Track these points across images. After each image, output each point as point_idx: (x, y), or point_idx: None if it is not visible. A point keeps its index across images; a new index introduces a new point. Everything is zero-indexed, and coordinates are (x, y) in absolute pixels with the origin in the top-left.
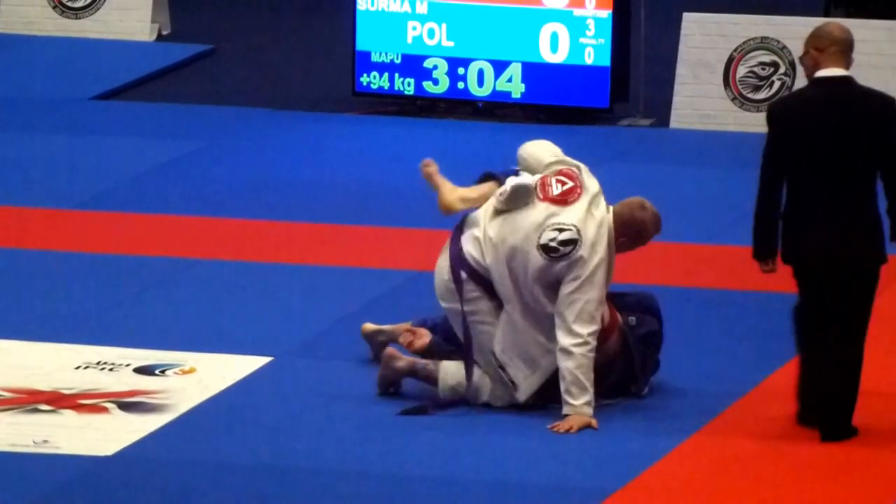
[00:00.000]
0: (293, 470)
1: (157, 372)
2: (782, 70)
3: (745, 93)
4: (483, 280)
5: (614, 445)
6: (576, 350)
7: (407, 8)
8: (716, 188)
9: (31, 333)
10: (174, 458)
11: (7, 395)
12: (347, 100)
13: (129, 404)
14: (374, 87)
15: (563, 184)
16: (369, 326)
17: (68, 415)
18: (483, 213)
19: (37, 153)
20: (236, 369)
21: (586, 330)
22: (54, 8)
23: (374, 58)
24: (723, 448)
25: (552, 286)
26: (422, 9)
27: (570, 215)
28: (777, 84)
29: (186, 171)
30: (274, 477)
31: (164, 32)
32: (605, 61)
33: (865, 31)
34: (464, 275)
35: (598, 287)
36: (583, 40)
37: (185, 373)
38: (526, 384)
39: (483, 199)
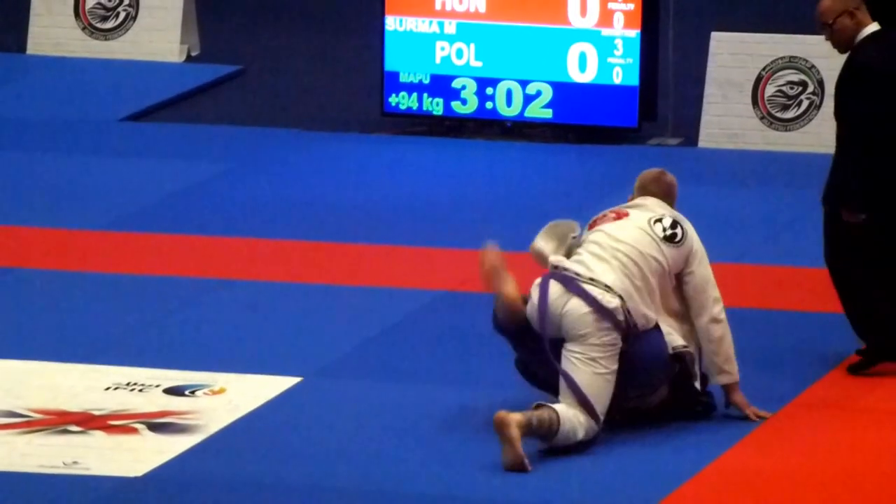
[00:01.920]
0: (323, 490)
1: (186, 392)
2: (811, 89)
3: (773, 112)
4: (619, 325)
5: (644, 464)
6: (724, 321)
7: (435, 28)
8: (745, 207)
9: (61, 355)
10: (204, 478)
11: (37, 416)
12: (376, 120)
13: (159, 425)
14: (402, 107)
15: (605, 216)
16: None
17: (98, 436)
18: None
19: (66, 174)
20: (266, 390)
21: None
22: (83, 29)
23: (403, 78)
24: (753, 467)
25: (682, 271)
26: (450, 29)
27: (648, 210)
28: (805, 103)
29: (216, 192)
30: (304, 498)
31: (194, 53)
32: (634, 81)
33: None
34: (601, 323)
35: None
36: (611, 60)
37: (214, 393)
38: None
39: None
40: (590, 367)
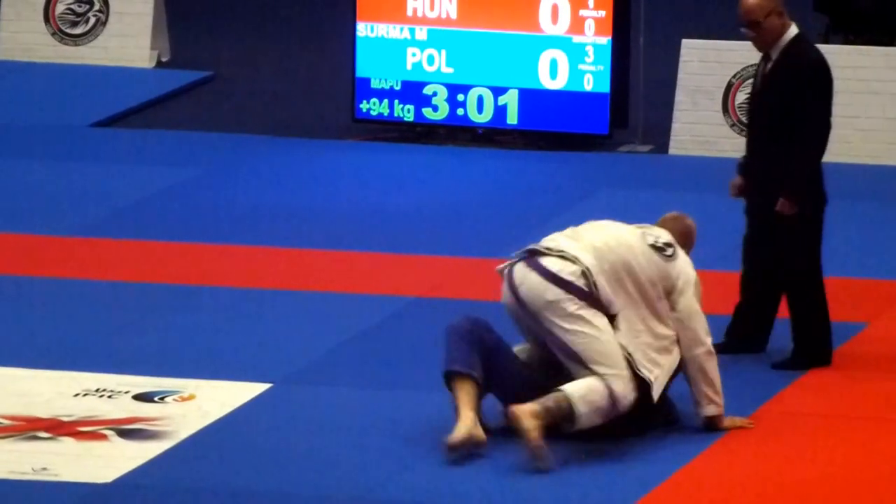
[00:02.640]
0: (292, 497)
1: (156, 399)
2: None
3: (744, 119)
4: (583, 292)
5: (614, 472)
6: (711, 358)
7: (407, 35)
8: (715, 214)
9: (30, 361)
10: (173, 485)
11: (6, 422)
12: (347, 126)
13: (129, 431)
14: (373, 113)
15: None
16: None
17: (67, 442)
18: (567, 236)
19: (36, 180)
20: (235, 396)
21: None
22: (53, 35)
23: (374, 84)
24: (723, 473)
25: (667, 290)
26: (421, 35)
27: (647, 227)
28: None
29: (186, 198)
30: None
31: (164, 59)
32: (605, 88)
33: (864, 58)
34: (563, 292)
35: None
36: (582, 67)
37: (184, 399)
38: (657, 383)
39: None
40: (576, 326)
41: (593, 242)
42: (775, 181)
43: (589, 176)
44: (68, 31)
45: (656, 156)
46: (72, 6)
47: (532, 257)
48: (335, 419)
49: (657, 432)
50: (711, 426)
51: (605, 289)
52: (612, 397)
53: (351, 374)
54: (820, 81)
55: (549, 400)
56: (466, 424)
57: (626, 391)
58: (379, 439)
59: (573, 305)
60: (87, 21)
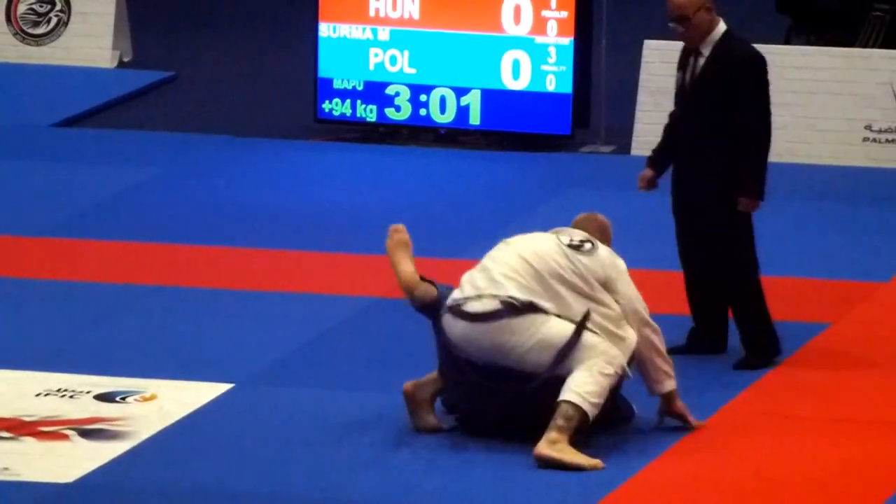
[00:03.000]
0: (253, 497)
1: (117, 399)
2: None
3: None
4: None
5: (571, 474)
6: (659, 335)
7: (369, 35)
8: None
9: None
10: (134, 485)
11: None
12: (309, 126)
13: (90, 431)
14: (336, 113)
15: None
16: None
17: (29, 442)
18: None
19: None
20: (197, 396)
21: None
22: (15, 35)
23: (337, 84)
24: (682, 475)
25: (600, 281)
26: (384, 36)
27: (561, 230)
28: None
29: (147, 198)
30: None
31: (126, 59)
32: (567, 88)
33: (825, 59)
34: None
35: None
36: (544, 67)
37: (145, 400)
38: (626, 345)
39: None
40: (531, 342)
41: (509, 262)
42: (721, 179)
43: (552, 176)
44: (30, 31)
45: (618, 156)
46: (33, 6)
47: (455, 310)
48: (297, 420)
49: (617, 432)
50: (670, 405)
51: (539, 303)
52: (608, 374)
53: (313, 375)
54: (761, 75)
55: (558, 418)
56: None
57: (617, 356)
58: (341, 440)
59: (511, 328)
60: (48, 21)
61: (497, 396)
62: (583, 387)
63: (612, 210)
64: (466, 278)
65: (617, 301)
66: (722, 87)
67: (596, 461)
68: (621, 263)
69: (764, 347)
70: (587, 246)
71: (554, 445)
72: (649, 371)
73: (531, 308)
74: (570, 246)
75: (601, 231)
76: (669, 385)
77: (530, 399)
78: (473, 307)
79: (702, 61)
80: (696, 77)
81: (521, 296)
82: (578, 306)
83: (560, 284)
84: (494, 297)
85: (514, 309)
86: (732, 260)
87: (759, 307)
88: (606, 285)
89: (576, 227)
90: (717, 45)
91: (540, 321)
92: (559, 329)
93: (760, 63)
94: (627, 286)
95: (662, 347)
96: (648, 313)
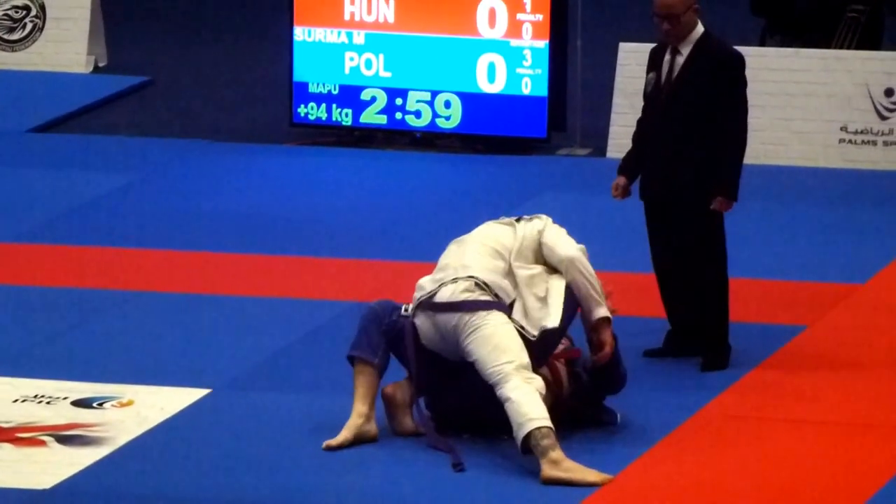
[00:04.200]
0: (232, 502)
1: (94, 405)
2: None
3: None
4: (478, 303)
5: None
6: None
7: (344, 39)
8: None
9: None
10: (112, 491)
11: None
12: (285, 131)
13: (67, 437)
14: (311, 118)
15: None
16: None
17: (6, 448)
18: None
19: None
20: (174, 402)
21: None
22: None
23: (312, 89)
24: (659, 478)
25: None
26: (359, 39)
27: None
28: None
29: (123, 204)
30: None
31: (101, 64)
32: (543, 91)
33: (801, 61)
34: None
35: None
36: (520, 70)
37: (122, 405)
38: (551, 318)
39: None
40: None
41: (465, 251)
42: (696, 179)
43: (528, 179)
44: (5, 36)
45: (594, 159)
46: (8, 12)
47: (425, 304)
48: (275, 425)
49: (596, 438)
50: (603, 331)
51: (497, 282)
52: (537, 388)
53: (291, 380)
54: (739, 75)
55: (540, 441)
56: (354, 423)
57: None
58: (318, 445)
59: (471, 318)
60: (23, 27)
61: (465, 375)
62: (530, 412)
63: (588, 213)
64: (425, 278)
65: (543, 239)
66: (700, 87)
67: (605, 475)
68: (558, 226)
69: (726, 347)
70: (526, 216)
71: (559, 466)
72: (583, 299)
73: (487, 303)
74: (513, 222)
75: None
76: (603, 311)
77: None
78: (442, 296)
79: (680, 60)
80: (675, 76)
81: (484, 277)
82: (525, 275)
83: (510, 254)
84: (466, 278)
85: (474, 302)
86: (704, 258)
87: (725, 307)
88: (541, 232)
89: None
90: (697, 45)
91: (488, 317)
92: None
93: (739, 63)
94: (556, 228)
95: (590, 268)
96: (578, 250)
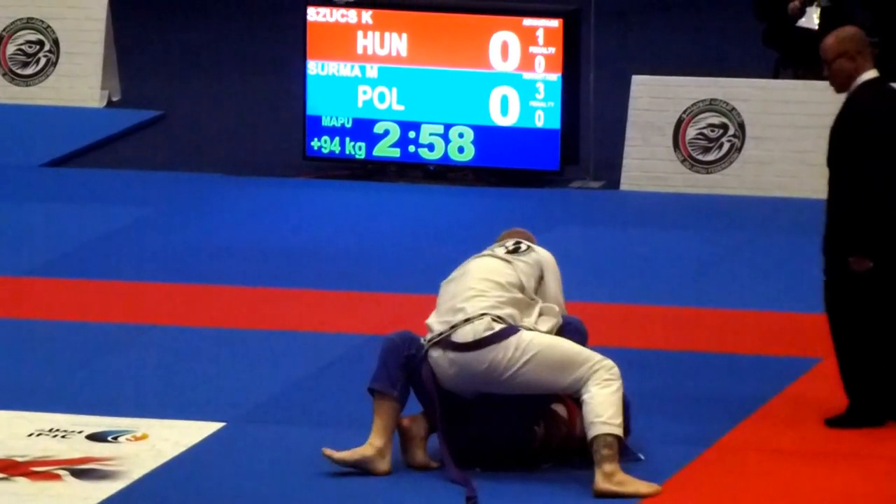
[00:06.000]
0: None
1: (109, 438)
2: (731, 132)
3: (694, 154)
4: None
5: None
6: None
7: (357, 72)
8: (667, 249)
9: None
10: None
11: None
12: (298, 164)
13: (82, 471)
14: (325, 151)
15: None
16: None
17: (21, 482)
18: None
19: None
20: (189, 435)
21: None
22: (4, 75)
23: (325, 122)
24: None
25: (538, 277)
26: (372, 73)
27: (493, 246)
28: (727, 145)
29: (137, 238)
30: None
31: (115, 99)
32: (555, 124)
33: (813, 93)
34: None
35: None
36: (533, 103)
37: (137, 439)
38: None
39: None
40: (525, 362)
41: (472, 287)
42: (843, 233)
43: (541, 212)
44: (19, 71)
45: (607, 192)
46: (22, 47)
47: (444, 344)
48: (289, 459)
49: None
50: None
51: (508, 313)
52: (616, 389)
53: (305, 413)
54: (860, 129)
55: (601, 449)
56: (361, 451)
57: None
58: (333, 478)
59: (505, 353)
60: (37, 61)
61: (479, 408)
62: (604, 414)
63: (601, 245)
64: (434, 319)
65: (540, 290)
66: (844, 138)
67: (655, 486)
68: (552, 258)
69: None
70: (523, 247)
71: (612, 478)
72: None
73: (511, 328)
74: (508, 252)
75: (526, 236)
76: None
77: (510, 405)
78: (463, 335)
79: (840, 110)
80: (832, 126)
81: (498, 312)
82: (534, 310)
83: (518, 291)
84: (480, 316)
85: (499, 333)
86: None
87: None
88: (541, 278)
89: (503, 238)
90: (851, 95)
91: (524, 338)
92: (540, 341)
93: (870, 116)
94: (553, 280)
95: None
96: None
